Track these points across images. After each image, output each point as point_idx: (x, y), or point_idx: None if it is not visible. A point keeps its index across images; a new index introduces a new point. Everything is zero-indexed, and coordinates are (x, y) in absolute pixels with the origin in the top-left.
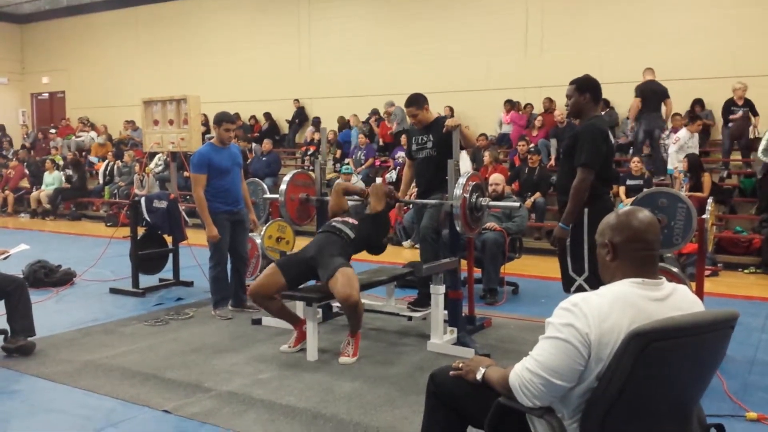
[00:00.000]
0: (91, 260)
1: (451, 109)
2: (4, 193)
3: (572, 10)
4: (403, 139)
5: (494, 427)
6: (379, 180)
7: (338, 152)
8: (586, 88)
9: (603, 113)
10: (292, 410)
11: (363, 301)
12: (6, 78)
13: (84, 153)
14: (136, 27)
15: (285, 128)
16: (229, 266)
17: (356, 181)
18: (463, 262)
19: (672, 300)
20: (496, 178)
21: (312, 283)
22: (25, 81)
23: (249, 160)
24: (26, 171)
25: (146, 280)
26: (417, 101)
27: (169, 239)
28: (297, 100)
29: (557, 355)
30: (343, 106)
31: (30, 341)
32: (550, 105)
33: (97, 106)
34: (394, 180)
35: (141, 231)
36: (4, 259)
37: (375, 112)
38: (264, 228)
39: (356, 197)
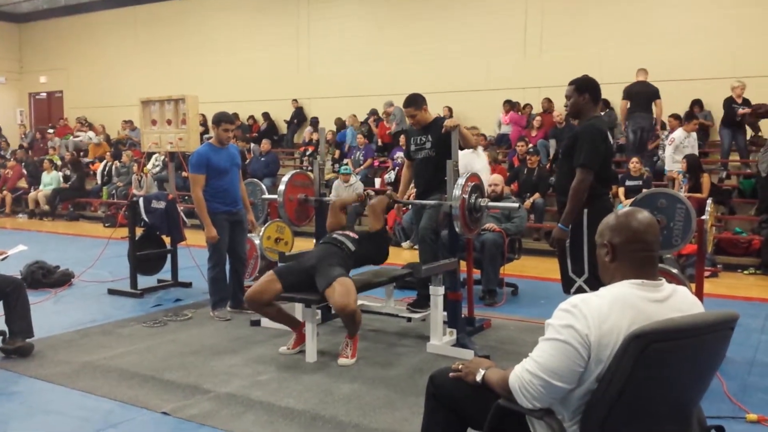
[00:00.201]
0: (89, 261)
1: (450, 110)
2: (2, 194)
3: (572, 10)
4: (402, 139)
5: (494, 428)
6: (378, 180)
7: (337, 152)
8: (585, 89)
9: (602, 114)
10: (291, 412)
11: (362, 302)
12: (4, 77)
13: (82, 153)
14: (134, 26)
15: (283, 128)
16: (227, 267)
17: (355, 182)
18: (462, 263)
19: (672, 301)
20: (495, 179)
21: None
22: (22, 80)
23: (247, 161)
24: (24, 171)
25: (144, 281)
26: (415, 101)
27: (167, 240)
28: (295, 101)
29: (557, 356)
30: (341, 106)
31: (28, 342)
32: (549, 105)
33: (95, 105)
34: (392, 180)
35: (139, 231)
36: (2, 260)
37: (374, 112)
38: (262, 229)
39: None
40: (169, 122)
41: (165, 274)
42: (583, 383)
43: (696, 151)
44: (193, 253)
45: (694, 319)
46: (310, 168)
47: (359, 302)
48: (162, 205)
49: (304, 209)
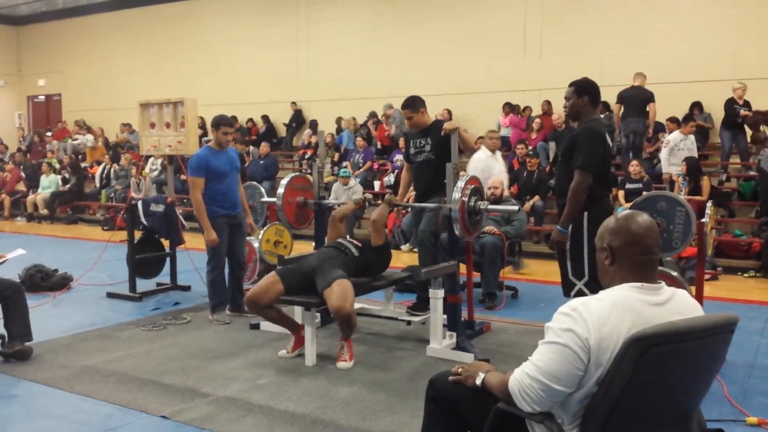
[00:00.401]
0: (87, 264)
1: (450, 112)
2: (1, 197)
3: (571, 12)
4: (401, 142)
5: None
6: (377, 183)
7: (336, 155)
8: (584, 91)
9: (602, 116)
10: (291, 416)
11: (362, 305)
12: (2, 80)
13: (80, 156)
14: (132, 29)
15: (283, 131)
16: (226, 270)
17: (354, 185)
18: (462, 266)
19: (671, 304)
20: (495, 182)
21: None
22: (21, 83)
23: (246, 164)
24: (22, 174)
25: (143, 285)
26: (412, 104)
27: (166, 243)
28: (294, 103)
29: (557, 360)
30: (340, 109)
31: (27, 346)
32: (548, 108)
33: (94, 108)
34: (392, 183)
35: (138, 235)
36: (1, 263)
37: (373, 115)
38: (262, 232)
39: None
40: (167, 125)
41: (164, 277)
42: (582, 387)
43: (695, 154)
44: (192, 256)
45: (694, 323)
46: (309, 171)
47: (359, 305)
48: (161, 208)
49: (303, 212)
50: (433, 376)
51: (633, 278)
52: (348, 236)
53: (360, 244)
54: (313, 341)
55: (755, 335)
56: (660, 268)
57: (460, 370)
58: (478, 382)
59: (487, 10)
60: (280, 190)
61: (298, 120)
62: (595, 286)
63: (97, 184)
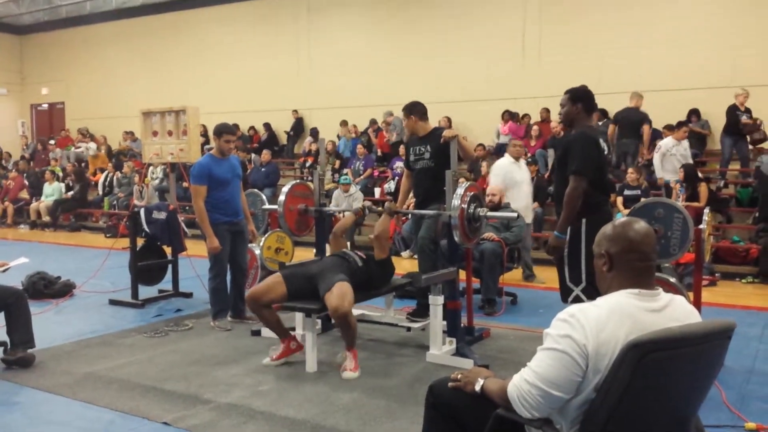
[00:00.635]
0: (90, 271)
1: (449, 120)
2: (4, 205)
3: (569, 21)
4: (401, 149)
5: None
6: (377, 190)
7: (337, 162)
8: (578, 98)
9: (600, 123)
10: (292, 422)
11: (362, 311)
12: (5, 89)
13: (83, 164)
14: (135, 38)
15: (284, 139)
16: (228, 277)
17: (354, 192)
18: (462, 273)
19: (669, 311)
20: (494, 189)
21: None
22: (24, 92)
23: (248, 171)
24: (26, 182)
25: (145, 292)
26: (407, 109)
27: (168, 250)
28: (296, 111)
29: (555, 366)
30: (341, 116)
31: (29, 353)
32: (547, 115)
33: (97, 116)
34: (392, 190)
35: (140, 242)
36: (4, 271)
37: (373, 122)
38: (263, 239)
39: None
40: (170, 133)
41: (166, 284)
42: (581, 393)
43: (689, 160)
44: (194, 263)
45: (691, 329)
46: (310, 178)
47: (360, 311)
48: (163, 215)
49: (304, 219)
50: (432, 382)
51: (630, 285)
52: (352, 249)
53: (364, 256)
54: (314, 348)
55: (753, 341)
56: (658, 274)
57: (459, 376)
58: (478, 388)
59: (485, 19)
60: (281, 198)
61: (299, 127)
62: (592, 292)
63: (100, 192)
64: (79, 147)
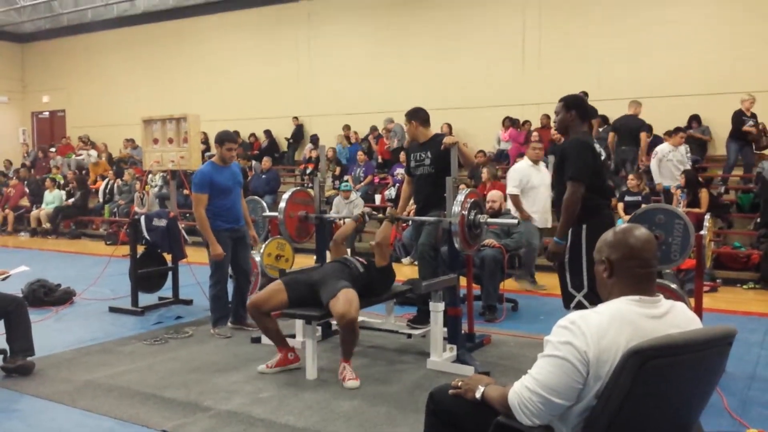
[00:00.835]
0: (90, 279)
1: (450, 126)
2: (4, 212)
3: (569, 27)
4: (402, 155)
5: None
6: (378, 197)
7: (337, 169)
8: (572, 106)
9: (601, 129)
10: (292, 429)
11: (363, 318)
12: (6, 97)
13: (84, 171)
14: (135, 46)
15: (284, 146)
16: (232, 284)
17: (355, 198)
18: (462, 279)
19: (670, 317)
20: (494, 195)
21: None
22: (25, 100)
23: (249, 178)
24: (26, 190)
25: (145, 299)
26: (409, 114)
27: (168, 257)
28: (296, 118)
29: (556, 373)
30: (341, 123)
31: (29, 361)
32: (547, 121)
33: (97, 124)
34: (393, 197)
35: (140, 249)
36: (4, 279)
37: (374, 129)
38: (263, 246)
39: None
40: (170, 141)
41: (166, 291)
42: (582, 400)
43: (687, 165)
44: (194, 270)
45: (692, 335)
46: (310, 185)
47: (360, 318)
48: (163, 222)
49: (305, 226)
50: (433, 389)
51: (631, 291)
52: (352, 255)
53: (365, 263)
54: (314, 355)
55: (755, 347)
56: (659, 280)
57: (460, 383)
58: (478, 395)
59: (485, 25)
60: (282, 205)
61: (299, 134)
62: (594, 298)
63: (101, 199)
64: (80, 155)
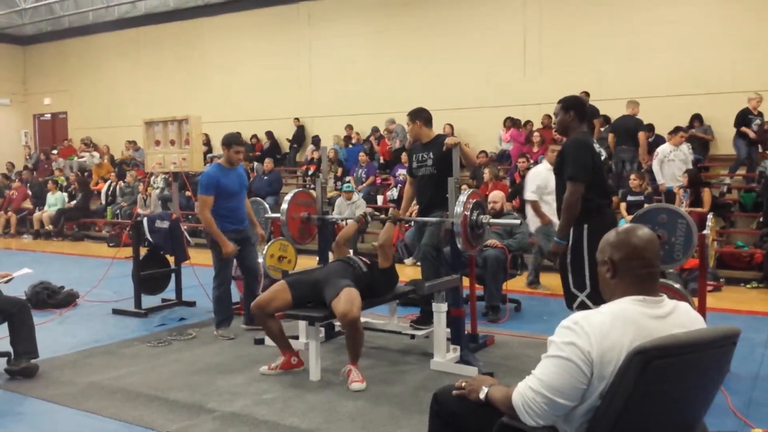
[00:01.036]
0: (93, 281)
1: (452, 127)
2: (7, 215)
3: (570, 27)
4: (404, 156)
5: None
6: (380, 198)
7: (339, 170)
8: (571, 107)
9: (603, 129)
10: (296, 431)
11: (366, 319)
12: (8, 99)
13: (86, 173)
14: (137, 48)
15: (286, 147)
16: (238, 285)
17: (357, 199)
18: (465, 280)
19: (673, 317)
20: (495, 196)
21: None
22: (27, 102)
23: (251, 180)
24: (29, 192)
25: (148, 301)
26: (412, 113)
27: (171, 259)
28: (297, 119)
29: (559, 373)
30: (343, 124)
31: (33, 363)
32: (549, 122)
33: (99, 126)
34: (395, 198)
35: (143, 251)
36: (7, 282)
37: (375, 130)
38: (266, 247)
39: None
40: (172, 143)
41: (169, 293)
42: (586, 400)
43: (689, 165)
44: (197, 272)
45: (696, 335)
46: (312, 186)
47: (363, 320)
48: (166, 224)
49: (307, 227)
50: (437, 390)
51: (634, 291)
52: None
53: (369, 262)
54: (318, 356)
55: (759, 346)
56: (662, 280)
57: (464, 384)
58: (482, 396)
59: (486, 26)
60: (284, 206)
61: (300, 136)
62: (597, 297)
63: (103, 201)
64: (82, 157)
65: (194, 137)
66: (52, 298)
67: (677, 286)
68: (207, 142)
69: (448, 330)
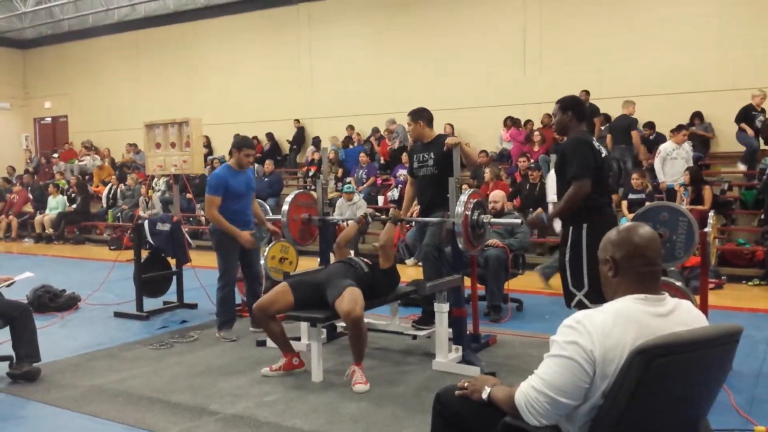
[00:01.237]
0: (95, 284)
1: (452, 127)
2: (8, 218)
3: (570, 26)
4: (404, 157)
5: None
6: (381, 198)
7: (340, 171)
8: (568, 107)
9: (603, 128)
10: None
11: (368, 320)
12: (9, 103)
13: (87, 177)
14: (136, 51)
15: (287, 148)
16: (236, 289)
17: (358, 200)
18: (467, 280)
19: (675, 315)
20: (496, 195)
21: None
22: (27, 106)
23: None
24: (30, 196)
25: (150, 303)
26: (413, 113)
27: (172, 262)
28: (297, 120)
29: (562, 373)
30: (343, 125)
31: (35, 367)
32: (549, 121)
33: (100, 129)
34: (396, 198)
35: (144, 254)
36: (8, 286)
37: (376, 130)
38: (267, 249)
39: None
40: (173, 145)
41: (171, 296)
42: (588, 399)
43: (690, 162)
44: (199, 274)
45: (698, 333)
46: (313, 187)
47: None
48: (167, 227)
49: (308, 229)
50: (439, 390)
51: (636, 290)
52: (356, 256)
53: (370, 263)
54: (320, 357)
55: (761, 344)
56: (664, 278)
57: (466, 384)
58: (485, 396)
59: (486, 26)
60: (285, 207)
61: (301, 137)
62: (594, 296)
63: (104, 204)
64: (83, 160)
65: (195, 139)
66: (53, 301)
67: (679, 284)
68: (207, 144)
69: (450, 330)
